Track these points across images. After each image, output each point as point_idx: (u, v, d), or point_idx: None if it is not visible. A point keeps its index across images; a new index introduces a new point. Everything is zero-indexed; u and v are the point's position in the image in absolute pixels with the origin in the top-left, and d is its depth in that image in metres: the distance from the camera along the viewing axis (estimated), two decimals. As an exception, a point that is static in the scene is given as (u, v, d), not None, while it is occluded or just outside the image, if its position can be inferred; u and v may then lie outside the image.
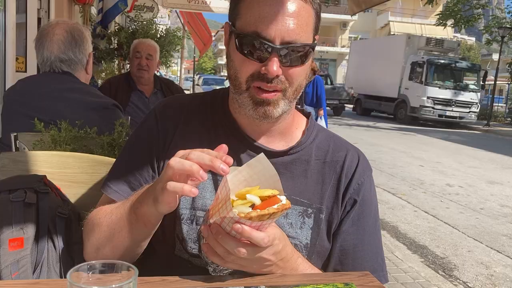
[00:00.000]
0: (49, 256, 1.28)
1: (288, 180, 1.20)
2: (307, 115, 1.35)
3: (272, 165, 0.98)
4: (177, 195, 0.95)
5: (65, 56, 2.23)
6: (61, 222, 1.35)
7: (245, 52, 1.10)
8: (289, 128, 1.27)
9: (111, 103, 2.29)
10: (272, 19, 1.06)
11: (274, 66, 1.06)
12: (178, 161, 0.92)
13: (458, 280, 4.15)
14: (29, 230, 1.24)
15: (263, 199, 0.93)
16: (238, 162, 1.18)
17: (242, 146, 1.21)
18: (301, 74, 1.14)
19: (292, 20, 1.07)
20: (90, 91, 2.31)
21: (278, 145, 1.24)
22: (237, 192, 0.95)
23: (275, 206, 0.91)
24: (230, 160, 0.91)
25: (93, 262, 0.71)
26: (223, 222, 0.92)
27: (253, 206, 0.92)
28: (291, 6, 1.07)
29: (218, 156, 0.91)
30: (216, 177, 1.19)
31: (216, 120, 1.25)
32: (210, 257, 1.00)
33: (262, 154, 0.98)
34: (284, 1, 1.07)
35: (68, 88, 2.22)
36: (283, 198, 0.94)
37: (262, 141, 1.23)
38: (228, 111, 1.26)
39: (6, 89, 3.63)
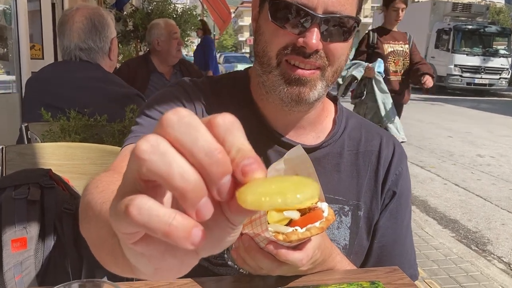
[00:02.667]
0: (56, 255, 1.22)
1: (321, 177, 1.05)
2: (333, 99, 1.20)
3: (309, 158, 0.86)
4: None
5: (85, 44, 2.15)
6: (68, 218, 1.29)
7: (280, 21, 0.95)
8: (319, 117, 1.13)
9: (134, 93, 2.21)
10: None
11: (314, 38, 0.92)
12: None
13: (492, 255, 4.01)
14: (33, 229, 1.18)
15: (302, 211, 0.82)
16: (265, 160, 1.05)
17: (269, 141, 1.08)
18: (343, 52, 0.99)
19: None
20: (113, 80, 2.24)
21: (308, 138, 1.11)
22: None
23: (318, 225, 0.79)
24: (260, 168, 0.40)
25: (70, 282, 0.63)
26: (256, 238, 0.82)
27: (291, 220, 0.81)
28: None
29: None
30: None
31: (238, 110, 1.09)
32: (240, 265, 0.90)
33: (299, 146, 0.87)
34: None
35: (91, 76, 2.15)
36: (324, 207, 0.83)
37: (291, 135, 1.10)
38: (252, 99, 1.11)
39: (21, 76, 3.65)
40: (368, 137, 1.15)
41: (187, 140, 0.37)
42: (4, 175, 1.54)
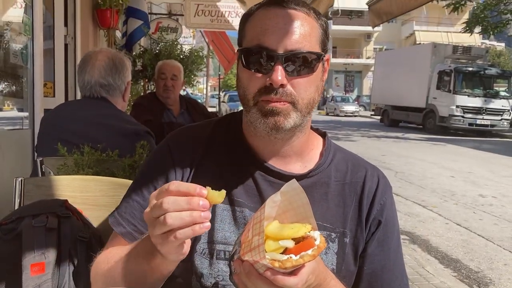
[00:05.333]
0: (70, 280, 1.30)
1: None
2: (323, 134, 1.32)
3: (303, 191, 0.95)
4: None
5: (105, 81, 2.30)
6: (82, 246, 1.38)
7: (251, 66, 1.10)
8: (305, 149, 1.24)
9: (144, 130, 2.33)
10: (274, 30, 1.08)
11: (279, 75, 1.05)
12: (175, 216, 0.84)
13: (494, 295, 4.01)
14: (50, 255, 1.27)
15: (296, 240, 0.90)
16: (257, 188, 1.18)
17: (258, 171, 1.19)
18: (310, 85, 1.12)
19: (294, 30, 1.08)
20: (124, 117, 2.36)
21: (295, 166, 1.21)
22: (270, 227, 0.92)
23: (310, 252, 0.87)
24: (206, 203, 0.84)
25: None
26: (255, 264, 0.90)
27: (286, 249, 0.90)
28: (293, 18, 1.10)
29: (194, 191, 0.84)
30: (234, 207, 1.16)
31: (231, 148, 1.23)
32: None
33: (294, 180, 0.95)
34: (286, 14, 1.10)
35: (103, 114, 2.28)
36: (316, 236, 0.91)
37: (278, 164, 1.20)
38: (243, 136, 1.24)
39: (34, 113, 3.80)
40: (353, 169, 1.25)
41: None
42: (22, 205, 1.64)
